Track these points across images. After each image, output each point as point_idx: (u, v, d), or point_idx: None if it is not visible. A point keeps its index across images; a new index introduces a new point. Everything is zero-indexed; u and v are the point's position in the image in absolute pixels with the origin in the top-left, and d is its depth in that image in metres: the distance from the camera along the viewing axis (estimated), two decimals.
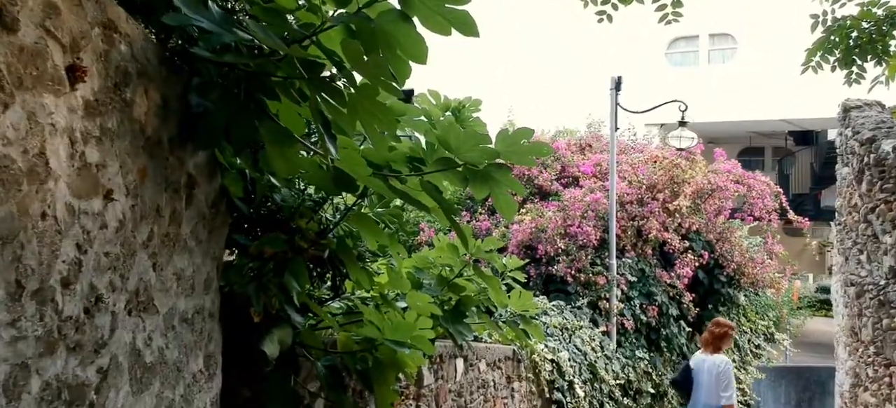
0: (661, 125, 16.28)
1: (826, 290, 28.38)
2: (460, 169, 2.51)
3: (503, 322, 4.45)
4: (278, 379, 2.76)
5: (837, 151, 8.61)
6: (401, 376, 3.72)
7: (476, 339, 6.18)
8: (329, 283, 3.79)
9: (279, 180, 2.78)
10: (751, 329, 15.24)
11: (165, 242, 1.91)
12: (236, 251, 2.98)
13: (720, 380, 7.40)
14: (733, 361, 14.55)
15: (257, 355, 2.61)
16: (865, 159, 8.15)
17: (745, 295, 12.80)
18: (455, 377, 5.49)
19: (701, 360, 7.65)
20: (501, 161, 2.50)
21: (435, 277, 4.16)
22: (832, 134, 32.47)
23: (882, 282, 7.69)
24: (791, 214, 11.75)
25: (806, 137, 30.47)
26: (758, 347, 15.19)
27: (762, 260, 11.79)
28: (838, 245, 8.27)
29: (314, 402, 3.45)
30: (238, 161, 2.45)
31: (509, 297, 4.37)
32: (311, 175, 2.46)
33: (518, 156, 2.46)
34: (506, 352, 6.78)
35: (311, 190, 3.06)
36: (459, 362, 5.58)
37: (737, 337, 14.73)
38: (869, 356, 7.66)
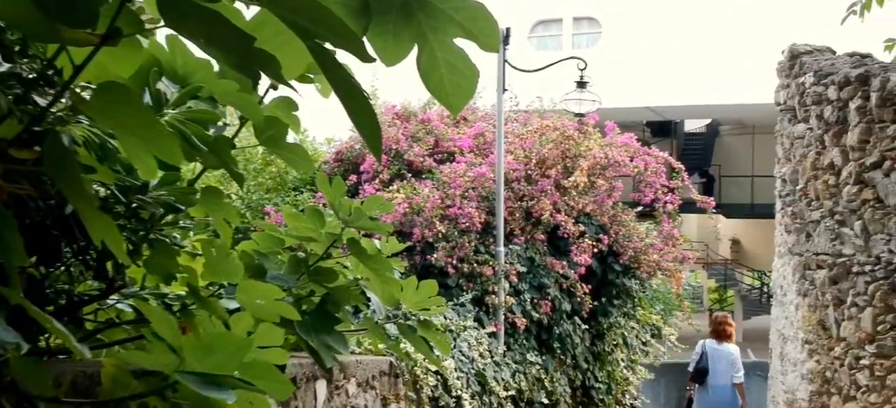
0: (537, 106, 15.30)
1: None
2: None
3: (396, 326, 3.08)
4: None
5: (779, 107, 7.63)
6: None
7: None
8: (100, 270, 2.28)
9: None
10: (638, 324, 14.59)
11: None
12: None
13: (735, 364, 9.58)
14: (621, 360, 13.87)
15: None
16: (851, 104, 6.96)
17: (640, 285, 11.95)
18: (315, 407, 4.06)
19: (715, 349, 9.73)
20: None
21: (287, 262, 2.74)
22: (690, 125, 33.28)
23: None
24: (694, 194, 10.96)
25: (664, 127, 31.05)
26: (644, 344, 14.55)
27: (661, 247, 10.94)
28: (789, 222, 7.27)
29: None
30: None
31: (403, 290, 3.02)
32: None
33: None
34: (381, 366, 5.40)
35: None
36: (321, 386, 4.15)
37: (625, 334, 14.08)
38: (857, 357, 6.50)
